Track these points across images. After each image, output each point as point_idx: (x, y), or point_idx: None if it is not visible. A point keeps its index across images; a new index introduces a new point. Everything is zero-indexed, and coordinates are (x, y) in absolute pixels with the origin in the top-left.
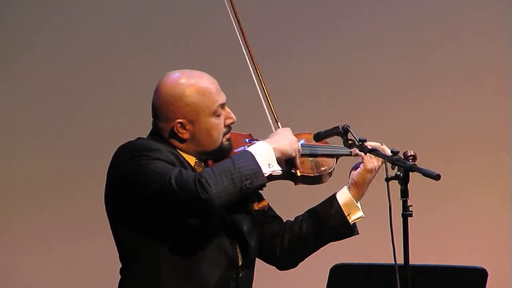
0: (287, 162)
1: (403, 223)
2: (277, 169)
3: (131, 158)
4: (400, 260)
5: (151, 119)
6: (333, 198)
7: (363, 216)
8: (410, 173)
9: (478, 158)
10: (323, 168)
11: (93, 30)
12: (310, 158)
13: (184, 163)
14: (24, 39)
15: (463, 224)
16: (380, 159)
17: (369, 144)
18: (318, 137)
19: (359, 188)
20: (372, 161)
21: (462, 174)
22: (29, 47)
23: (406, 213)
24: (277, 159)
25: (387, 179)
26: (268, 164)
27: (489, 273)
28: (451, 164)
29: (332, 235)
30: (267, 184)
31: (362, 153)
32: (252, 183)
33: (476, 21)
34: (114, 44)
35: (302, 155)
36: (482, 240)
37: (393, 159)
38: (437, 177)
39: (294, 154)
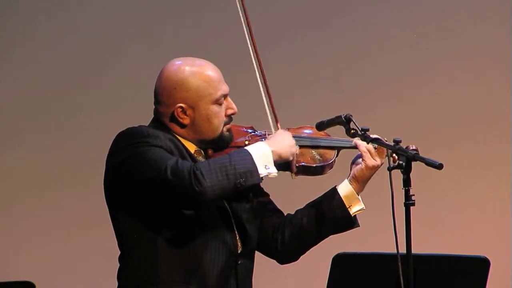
0: (283, 164)
1: (405, 212)
2: (273, 172)
3: (129, 145)
4: (403, 249)
5: (153, 108)
6: (334, 190)
7: (364, 208)
8: (412, 162)
9: (479, 148)
10: (324, 160)
11: (93, 22)
12: (312, 150)
13: (183, 151)
14: (23, 32)
15: (465, 213)
16: (382, 157)
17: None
18: (321, 126)
19: (359, 183)
20: (373, 158)
21: (463, 163)
22: (29, 40)
23: (409, 203)
24: (274, 161)
25: (390, 169)
26: (265, 166)
27: (491, 262)
28: (453, 154)
29: (333, 228)
30: (268, 177)
31: (363, 149)
32: (247, 182)
33: (477, 14)
34: (114, 37)
35: (304, 146)
36: (484, 229)
37: (395, 148)
38: (439, 167)
39: (291, 158)
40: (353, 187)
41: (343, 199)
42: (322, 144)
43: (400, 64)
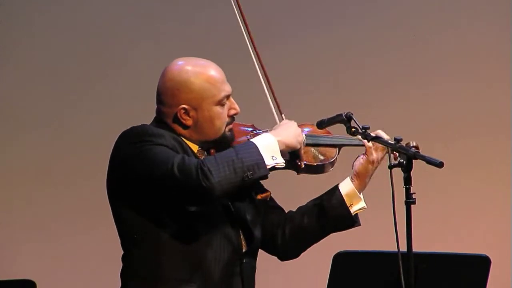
0: (291, 154)
1: (406, 210)
2: (280, 162)
3: (134, 143)
4: (403, 248)
5: (153, 107)
6: (335, 188)
7: (365, 207)
8: (413, 160)
9: (480, 146)
10: (326, 158)
11: (93, 21)
12: (313, 148)
13: (187, 150)
14: (23, 27)
15: (466, 211)
16: (383, 151)
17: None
18: (321, 124)
19: (361, 179)
20: (374, 152)
21: (464, 162)
22: (28, 35)
23: (409, 201)
24: (281, 151)
25: (390, 167)
26: (272, 156)
27: (492, 260)
28: (454, 152)
29: (333, 226)
30: (270, 173)
31: (366, 142)
32: (254, 174)
33: (476, 10)
34: (114, 36)
35: (305, 145)
36: (485, 227)
37: (396, 147)
38: (440, 165)
39: (298, 146)
40: (354, 185)
41: (344, 197)
42: (323, 142)
43: (400, 61)
